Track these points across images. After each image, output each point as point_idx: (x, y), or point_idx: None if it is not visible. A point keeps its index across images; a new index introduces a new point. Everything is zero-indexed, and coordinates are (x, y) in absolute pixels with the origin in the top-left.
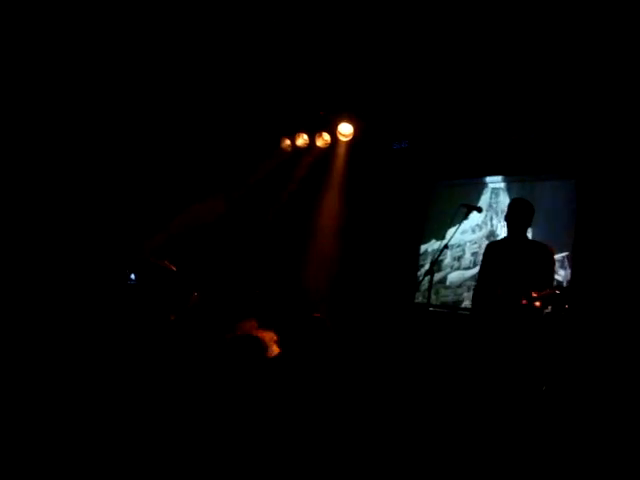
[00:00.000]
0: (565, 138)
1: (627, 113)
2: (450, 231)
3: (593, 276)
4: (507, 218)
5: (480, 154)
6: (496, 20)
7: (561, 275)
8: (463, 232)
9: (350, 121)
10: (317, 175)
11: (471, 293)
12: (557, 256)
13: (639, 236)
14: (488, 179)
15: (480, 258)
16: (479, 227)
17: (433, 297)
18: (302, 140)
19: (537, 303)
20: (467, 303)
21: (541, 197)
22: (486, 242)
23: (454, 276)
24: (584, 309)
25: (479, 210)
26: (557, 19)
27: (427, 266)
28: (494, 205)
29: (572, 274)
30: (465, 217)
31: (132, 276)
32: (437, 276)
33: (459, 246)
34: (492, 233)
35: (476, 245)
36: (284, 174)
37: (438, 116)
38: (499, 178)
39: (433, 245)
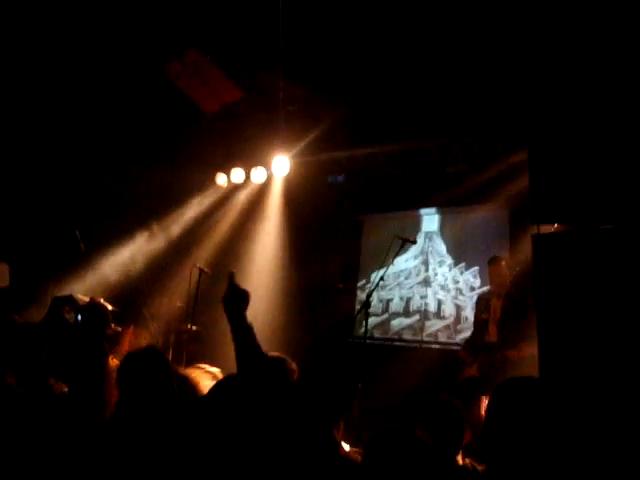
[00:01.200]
0: (497, 168)
1: (562, 143)
2: (387, 260)
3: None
4: (490, 276)
5: (414, 186)
6: (428, 56)
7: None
8: (395, 276)
9: (285, 156)
10: (253, 210)
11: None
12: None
13: (575, 265)
14: (422, 211)
15: (414, 305)
16: (411, 273)
17: (370, 332)
18: (238, 175)
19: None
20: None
21: (474, 227)
22: (420, 288)
23: (395, 323)
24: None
25: (413, 242)
26: (490, 55)
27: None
28: (428, 249)
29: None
30: (400, 249)
31: (78, 317)
32: (377, 320)
33: (390, 289)
34: (427, 280)
35: (410, 290)
36: (220, 209)
37: (373, 150)
38: (433, 210)
39: (369, 278)
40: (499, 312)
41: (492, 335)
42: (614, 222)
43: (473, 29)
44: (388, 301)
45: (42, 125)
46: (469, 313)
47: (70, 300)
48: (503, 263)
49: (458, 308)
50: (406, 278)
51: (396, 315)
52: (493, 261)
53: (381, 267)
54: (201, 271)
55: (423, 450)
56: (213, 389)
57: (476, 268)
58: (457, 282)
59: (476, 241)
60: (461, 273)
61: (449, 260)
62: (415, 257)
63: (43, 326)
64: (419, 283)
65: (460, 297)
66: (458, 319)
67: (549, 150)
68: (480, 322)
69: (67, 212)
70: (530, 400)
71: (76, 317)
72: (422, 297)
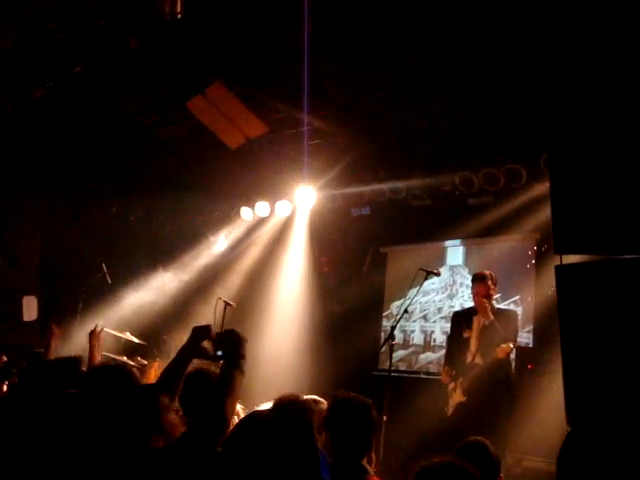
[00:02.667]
0: (521, 199)
1: (585, 172)
2: (411, 293)
3: (555, 336)
4: (473, 292)
5: (438, 219)
6: (450, 90)
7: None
8: (418, 309)
9: (310, 189)
10: (277, 242)
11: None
12: (509, 301)
13: (601, 296)
14: (447, 243)
15: (436, 339)
16: (434, 306)
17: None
18: (262, 209)
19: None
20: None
21: (500, 258)
22: (445, 323)
23: (423, 357)
24: (547, 368)
25: (437, 274)
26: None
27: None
28: (455, 283)
29: (534, 333)
30: (424, 281)
31: (219, 352)
32: (403, 353)
33: (414, 321)
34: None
35: (433, 325)
36: (245, 242)
37: (397, 183)
38: (457, 242)
39: (394, 309)
40: (482, 329)
41: (473, 353)
42: None
43: (497, 61)
44: (410, 333)
45: (70, 157)
46: None
47: (208, 331)
48: (489, 282)
49: None
50: (429, 312)
51: (418, 348)
52: (479, 278)
53: (405, 299)
54: (226, 304)
55: None
56: (237, 426)
57: (517, 297)
58: None
59: (502, 273)
60: (497, 303)
61: None
62: (439, 291)
63: (181, 357)
64: (443, 317)
65: None
66: None
67: (572, 179)
68: (462, 341)
69: (94, 246)
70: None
71: (216, 350)
72: (445, 332)
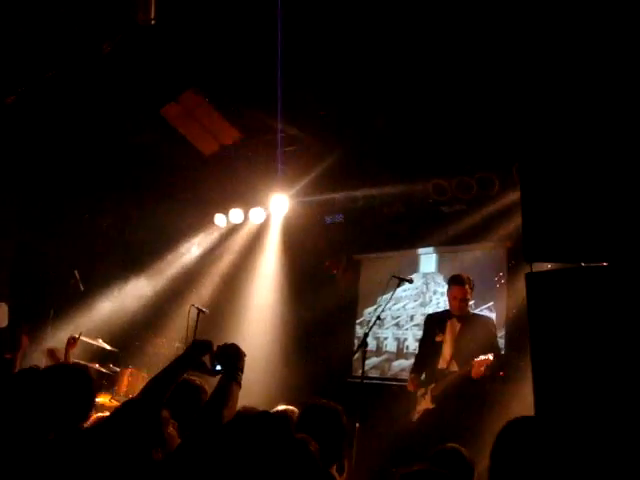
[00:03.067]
0: (494, 207)
1: (555, 181)
2: (383, 300)
3: (527, 343)
4: (449, 295)
5: (411, 226)
6: (424, 98)
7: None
8: (390, 316)
9: (284, 196)
10: (251, 249)
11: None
12: (483, 307)
13: (570, 303)
14: (420, 250)
15: (409, 347)
16: (406, 314)
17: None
18: (236, 216)
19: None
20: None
21: (472, 266)
22: (417, 331)
23: (396, 365)
24: (518, 375)
25: (410, 281)
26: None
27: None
28: (428, 291)
29: (506, 340)
30: (397, 288)
31: (217, 367)
32: (376, 360)
33: (387, 328)
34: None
35: (405, 332)
36: (218, 249)
37: (370, 190)
38: (430, 249)
39: (367, 316)
40: (458, 334)
41: (446, 359)
42: (609, 259)
43: (471, 71)
44: (383, 340)
45: (42, 165)
46: None
47: (210, 346)
48: (467, 286)
49: None
50: (402, 319)
51: (391, 355)
52: (457, 281)
53: (377, 306)
54: (199, 310)
55: None
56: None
57: (491, 303)
58: None
59: (475, 279)
60: (471, 309)
61: None
62: (411, 298)
63: (175, 368)
64: (416, 325)
65: None
66: None
67: (542, 188)
68: (434, 345)
69: (66, 252)
70: (533, 441)
71: (214, 364)
72: (418, 339)
